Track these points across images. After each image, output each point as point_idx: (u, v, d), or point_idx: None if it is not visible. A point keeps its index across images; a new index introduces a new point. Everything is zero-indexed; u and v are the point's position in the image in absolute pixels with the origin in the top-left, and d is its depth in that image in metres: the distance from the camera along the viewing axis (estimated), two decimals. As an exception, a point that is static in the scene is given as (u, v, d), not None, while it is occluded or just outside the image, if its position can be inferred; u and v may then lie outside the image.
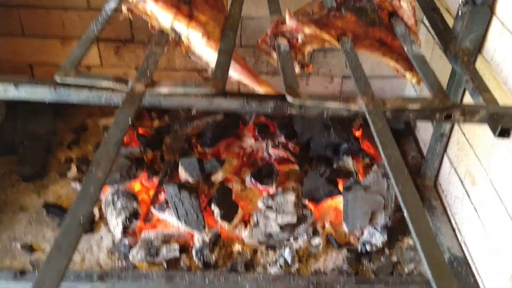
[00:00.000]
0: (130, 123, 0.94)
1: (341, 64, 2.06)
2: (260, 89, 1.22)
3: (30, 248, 1.48)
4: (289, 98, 1.04)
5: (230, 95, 1.07)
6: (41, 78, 2.01)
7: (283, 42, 1.24)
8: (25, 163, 1.72)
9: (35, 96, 1.05)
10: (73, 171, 1.75)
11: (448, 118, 1.07)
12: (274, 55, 1.26)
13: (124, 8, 1.28)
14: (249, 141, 1.88)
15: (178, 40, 1.24)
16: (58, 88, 1.04)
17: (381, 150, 0.93)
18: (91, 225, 1.55)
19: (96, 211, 1.58)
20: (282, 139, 1.88)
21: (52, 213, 1.58)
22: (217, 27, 1.25)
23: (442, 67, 1.62)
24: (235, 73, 1.23)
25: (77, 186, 1.66)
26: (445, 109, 1.06)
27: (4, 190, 1.65)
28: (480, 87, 1.18)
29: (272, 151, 1.76)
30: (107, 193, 1.59)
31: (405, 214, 0.79)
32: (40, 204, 1.62)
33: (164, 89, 1.05)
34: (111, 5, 1.34)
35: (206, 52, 1.22)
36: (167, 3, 1.22)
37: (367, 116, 1.03)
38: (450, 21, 1.50)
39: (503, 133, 1.11)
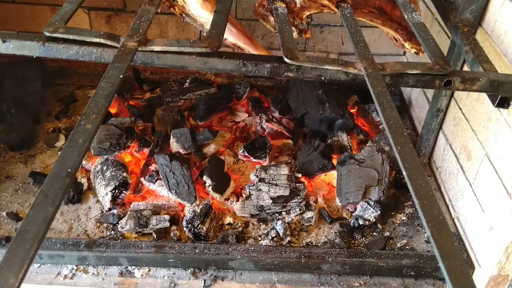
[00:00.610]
0: (121, 77, 0.91)
1: (337, 40, 2.03)
2: (256, 53, 1.19)
3: (16, 217, 1.44)
4: (287, 60, 1.01)
5: (226, 55, 1.03)
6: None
7: (281, 5, 1.21)
8: (12, 131, 1.67)
9: (23, 50, 1.01)
10: (61, 141, 1.71)
11: (448, 84, 1.05)
12: (271, 19, 1.23)
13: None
14: (242, 116, 1.85)
15: (172, 1, 1.20)
16: (47, 43, 1.00)
17: (380, 112, 0.90)
18: (79, 195, 1.51)
19: (84, 181, 1.55)
20: (276, 114, 1.85)
21: (39, 182, 1.54)
22: (213, -11, 1.21)
23: (440, 44, 1.59)
24: (231, 37, 1.19)
25: (65, 155, 1.62)
26: (445, 75, 1.04)
27: (-10, 158, 1.61)
28: (480, 57, 1.16)
29: (266, 125, 1.73)
30: (96, 162, 1.56)
31: (404, 173, 0.76)
32: (27, 173, 1.57)
33: (157, 47, 1.01)
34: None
35: (201, 13, 1.18)
36: (162, -38, 1.18)
37: (366, 79, 1.00)
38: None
39: (502, 103, 1.10)
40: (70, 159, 0.72)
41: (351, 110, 1.89)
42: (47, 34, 1.01)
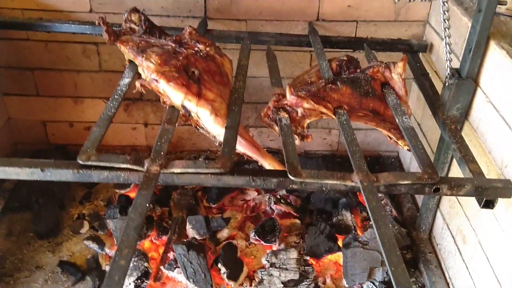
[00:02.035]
0: (147, 206, 1.04)
1: (338, 117, 2.17)
2: (264, 162, 1.33)
3: (46, 307, 1.56)
4: (291, 177, 1.14)
5: (238, 172, 1.17)
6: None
7: (284, 116, 1.35)
8: (40, 220, 1.81)
9: (59, 177, 1.15)
10: (85, 227, 1.83)
11: (436, 191, 1.17)
12: (276, 128, 1.37)
13: (137, 85, 1.40)
14: (252, 194, 1.98)
15: (188, 116, 1.35)
16: (81, 170, 1.14)
17: (375, 229, 1.02)
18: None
19: (108, 269, 1.66)
20: (283, 191, 1.97)
21: (67, 271, 1.66)
22: (224, 103, 1.36)
23: (434, 125, 1.72)
24: (241, 147, 1.33)
25: (90, 244, 1.74)
26: (433, 184, 1.16)
27: (21, 248, 1.74)
28: (467, 157, 1.28)
29: (274, 206, 1.85)
30: (118, 250, 1.68)
31: (398, 294, 0.88)
32: (55, 262, 1.70)
33: (176, 169, 1.15)
34: (125, 81, 1.46)
35: (214, 128, 1.32)
36: (178, 83, 1.34)
37: (362, 192, 1.13)
38: (438, 83, 1.62)
39: (488, 205, 1.21)
40: (109, 297, 0.85)
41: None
42: (81, 162, 1.15)
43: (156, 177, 1.12)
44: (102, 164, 1.15)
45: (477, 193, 1.17)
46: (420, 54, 1.84)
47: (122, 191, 1.96)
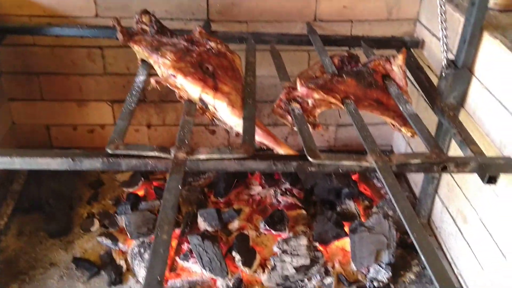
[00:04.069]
0: (179, 187, 1.10)
1: (335, 113, 2.26)
2: (280, 150, 1.40)
3: (64, 302, 1.59)
4: (311, 159, 1.22)
5: (259, 157, 1.24)
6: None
7: (296, 106, 1.43)
8: (51, 220, 1.83)
9: (90, 167, 1.20)
10: (96, 225, 1.86)
11: (444, 169, 1.26)
12: (289, 118, 1.44)
13: (152, 81, 1.46)
14: (256, 189, 2.05)
15: (205, 108, 1.42)
16: (111, 159, 1.19)
17: (394, 203, 1.10)
18: (120, 277, 1.66)
19: (123, 263, 1.70)
20: (287, 185, 2.04)
21: (82, 267, 1.68)
22: (238, 96, 1.43)
23: (427, 118, 1.82)
24: (258, 137, 1.40)
25: (103, 240, 1.78)
26: (441, 162, 1.25)
27: (33, 247, 1.76)
28: (467, 140, 1.37)
29: (281, 198, 1.92)
30: (132, 245, 1.72)
31: (422, 257, 0.95)
32: (69, 259, 1.72)
33: (202, 155, 1.21)
34: (140, 78, 1.52)
35: (231, 119, 1.39)
36: (195, 77, 1.41)
37: (378, 171, 1.21)
38: (432, 77, 1.72)
39: (491, 180, 1.31)
40: (157, 268, 0.90)
41: (353, 176, 2.10)
42: (110, 151, 1.20)
43: (184, 163, 1.18)
44: (130, 152, 1.21)
45: (480, 170, 1.26)
46: (412, 50, 1.94)
47: (130, 190, 2.00)
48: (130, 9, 1.88)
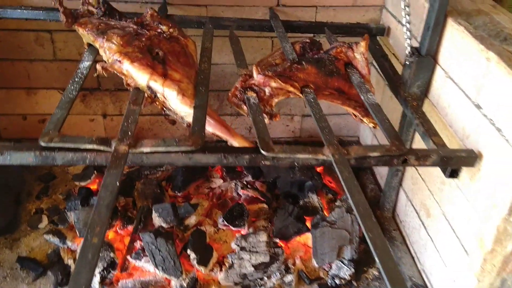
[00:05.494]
0: (117, 184, 1.00)
1: (300, 103, 2.19)
2: (234, 142, 1.31)
3: (5, 305, 1.48)
4: (264, 152, 1.14)
5: (209, 150, 1.15)
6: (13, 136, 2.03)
7: (252, 95, 1.34)
8: (-4, 216, 1.71)
9: (20, 161, 1.09)
10: (44, 222, 1.75)
11: (404, 162, 1.20)
12: (244, 107, 1.36)
13: (98, 67, 1.35)
14: (217, 182, 1.96)
15: (154, 97, 1.32)
16: (44, 152, 1.08)
17: (349, 197, 1.03)
18: (67, 277, 1.56)
19: (71, 263, 1.60)
20: (249, 178, 1.96)
21: (27, 267, 1.58)
22: (190, 83, 1.33)
23: (393, 107, 1.77)
24: (210, 127, 1.31)
25: (50, 238, 1.67)
26: (401, 155, 1.19)
27: (-25, 246, 1.64)
28: (430, 131, 1.31)
29: (242, 191, 1.84)
30: (81, 243, 1.61)
31: (375, 257, 0.89)
32: (14, 258, 1.61)
33: (146, 148, 1.12)
34: (85, 64, 1.41)
35: (182, 108, 1.30)
36: (143, 63, 1.30)
37: (334, 165, 1.14)
38: (397, 66, 1.66)
39: (453, 174, 1.26)
40: (83, 276, 0.81)
41: (318, 168, 2.03)
42: (43, 144, 1.09)
43: (125, 157, 1.08)
44: (66, 145, 1.10)
45: (442, 163, 1.20)
46: (378, 38, 1.88)
47: (83, 183, 1.89)
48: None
